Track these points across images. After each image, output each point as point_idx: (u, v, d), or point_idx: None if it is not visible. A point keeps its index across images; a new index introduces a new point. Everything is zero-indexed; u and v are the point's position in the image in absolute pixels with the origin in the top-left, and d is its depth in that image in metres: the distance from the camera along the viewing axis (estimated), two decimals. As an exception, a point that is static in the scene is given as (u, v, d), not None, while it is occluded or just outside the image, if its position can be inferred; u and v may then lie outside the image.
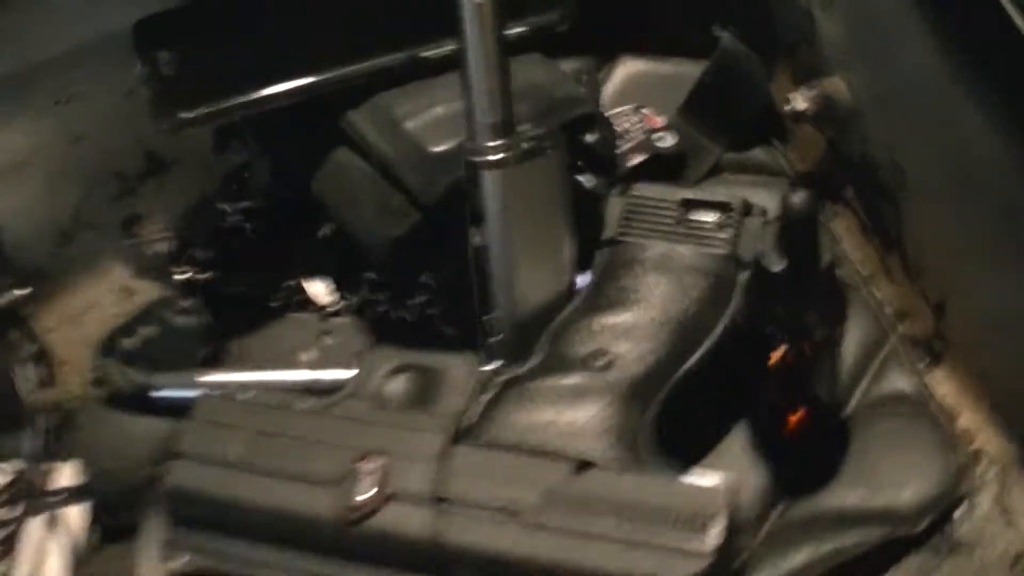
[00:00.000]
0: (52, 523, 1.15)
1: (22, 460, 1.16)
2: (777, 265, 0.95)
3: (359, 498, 0.94)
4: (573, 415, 0.97)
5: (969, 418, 1.06)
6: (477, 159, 1.00)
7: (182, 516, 1.00)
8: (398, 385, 1.06)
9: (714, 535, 0.89)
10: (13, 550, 1.11)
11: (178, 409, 1.13)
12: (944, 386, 1.09)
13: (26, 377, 1.18)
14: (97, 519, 1.16)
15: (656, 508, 0.90)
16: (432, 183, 1.07)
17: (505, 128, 0.99)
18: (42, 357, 1.21)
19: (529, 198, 1.03)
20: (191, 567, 0.99)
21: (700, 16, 1.26)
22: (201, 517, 0.99)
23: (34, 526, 1.14)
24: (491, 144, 0.99)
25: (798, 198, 0.92)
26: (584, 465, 0.93)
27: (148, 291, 1.25)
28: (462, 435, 0.97)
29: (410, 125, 1.09)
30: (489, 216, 1.02)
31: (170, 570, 1.00)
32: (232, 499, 0.98)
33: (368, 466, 0.95)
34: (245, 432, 1.00)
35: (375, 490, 0.94)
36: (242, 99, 1.11)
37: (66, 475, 1.17)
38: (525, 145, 1.00)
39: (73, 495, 1.17)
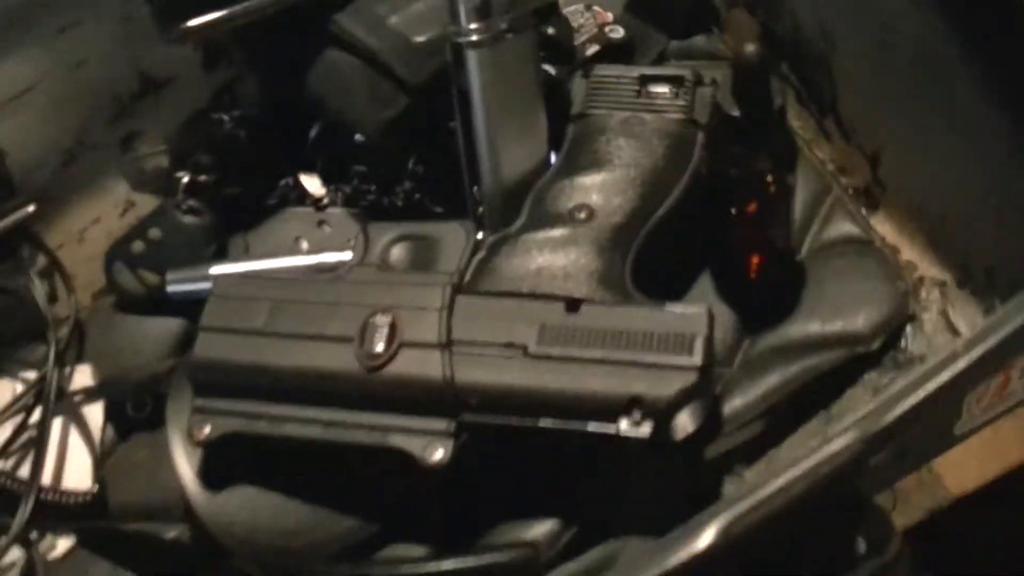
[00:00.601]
0: (73, 422, 1.23)
1: (41, 367, 1.22)
2: (735, 109, 1.06)
3: (376, 349, 1.02)
4: (562, 261, 1.05)
5: (910, 251, 1.18)
6: (461, 40, 1.10)
7: (209, 387, 1.06)
8: (399, 252, 1.14)
9: (700, 350, 0.97)
10: (39, 450, 1.17)
11: (189, 307, 1.22)
12: (885, 226, 1.20)
13: (39, 290, 1.23)
14: (113, 417, 1.23)
15: (645, 333, 0.98)
16: (419, 68, 1.18)
17: (484, 10, 1.09)
18: (52, 271, 1.27)
19: (509, 73, 1.12)
20: (221, 431, 1.05)
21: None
22: (227, 385, 1.06)
23: (57, 427, 1.21)
24: (473, 25, 1.09)
25: (750, 47, 1.03)
26: (575, 302, 1.01)
27: (149, 204, 1.32)
28: (462, 288, 1.05)
29: (394, 20, 1.20)
30: (474, 92, 1.12)
31: (200, 438, 1.05)
32: (257, 364, 1.05)
33: (381, 320, 1.03)
34: (263, 302, 1.07)
35: (389, 341, 1.03)
36: (237, 9, 1.21)
37: (83, 378, 1.25)
38: (503, 25, 1.10)
39: (90, 395, 1.25)
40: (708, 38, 1.37)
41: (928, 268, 1.16)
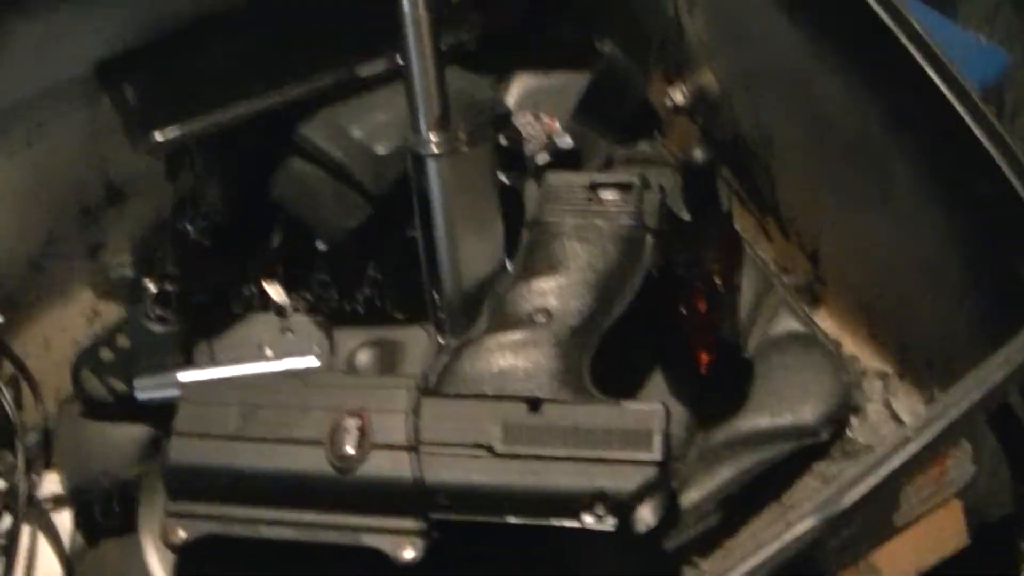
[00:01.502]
0: (42, 529, 1.25)
1: (10, 475, 1.23)
2: (686, 214, 1.11)
3: (346, 451, 1.05)
4: (523, 362, 1.09)
5: (852, 344, 1.24)
6: (422, 151, 1.15)
7: (182, 491, 1.08)
8: (365, 357, 1.18)
9: (659, 446, 1.01)
10: (7, 557, 1.19)
11: (156, 412, 1.25)
12: (828, 321, 1.26)
13: (7, 398, 1.25)
14: (82, 523, 1.25)
15: (605, 430, 1.02)
16: (382, 178, 1.22)
17: (444, 122, 1.14)
18: (19, 379, 1.29)
19: (467, 182, 1.18)
20: (196, 534, 1.07)
21: (581, 32, 1.43)
22: (201, 489, 1.08)
23: (25, 533, 1.22)
24: (433, 137, 1.14)
25: (698, 153, 1.08)
26: (538, 402, 1.05)
27: (114, 311, 1.36)
28: (428, 391, 1.08)
29: (356, 131, 1.25)
30: (433, 201, 1.16)
31: (175, 542, 1.07)
32: (230, 468, 1.07)
33: (350, 423, 1.06)
34: (234, 407, 1.09)
35: (359, 443, 1.06)
36: (206, 119, 1.25)
37: (51, 484, 1.27)
38: (462, 136, 1.15)
39: (59, 501, 1.27)
40: (651, 143, 1.43)
41: (870, 360, 1.22)
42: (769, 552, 0.94)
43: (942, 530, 1.15)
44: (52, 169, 1.31)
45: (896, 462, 0.98)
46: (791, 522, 0.95)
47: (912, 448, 0.98)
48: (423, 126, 1.15)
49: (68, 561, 1.22)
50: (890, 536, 1.11)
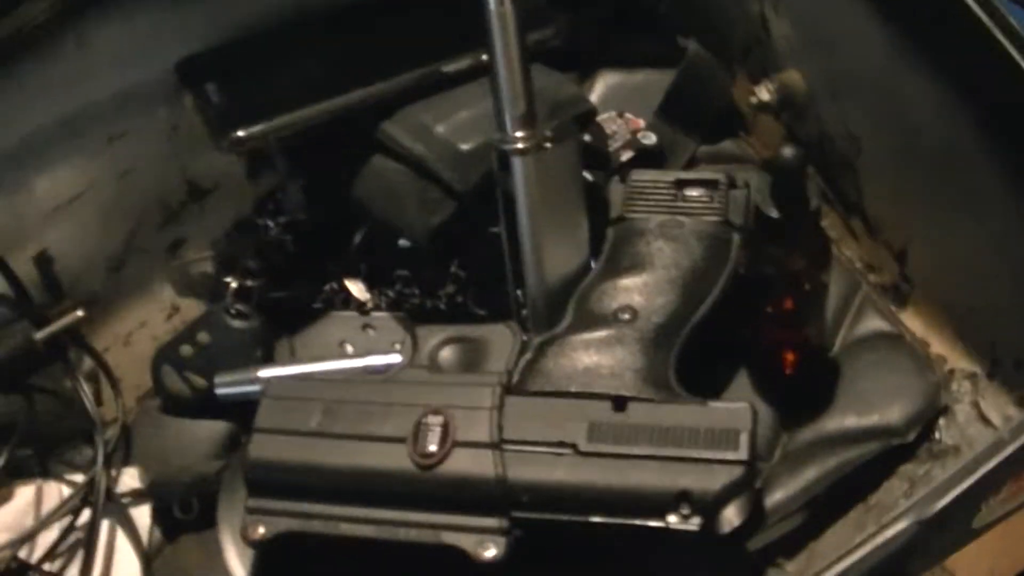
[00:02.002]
0: (120, 525, 1.25)
1: (90, 469, 1.23)
2: (774, 211, 1.09)
3: (429, 448, 1.04)
4: (608, 360, 1.08)
5: (939, 344, 1.22)
6: (508, 148, 1.14)
7: (263, 487, 1.08)
8: (447, 354, 1.16)
9: (745, 445, 1.00)
10: (88, 552, 1.19)
11: (235, 409, 1.25)
12: (914, 320, 1.24)
13: (87, 394, 1.26)
14: (160, 520, 1.25)
15: (691, 429, 1.01)
16: (466, 175, 1.22)
17: (530, 119, 1.13)
18: (99, 374, 1.29)
19: (552, 179, 1.16)
20: (275, 531, 1.06)
21: (666, 31, 1.42)
22: (281, 485, 1.07)
23: (104, 528, 1.23)
24: (518, 134, 1.14)
25: (788, 151, 1.07)
26: (623, 401, 1.04)
27: (193, 308, 1.36)
28: (512, 388, 1.08)
29: (440, 128, 1.24)
30: (519, 199, 1.16)
31: (254, 538, 1.06)
32: (311, 464, 1.07)
33: (433, 420, 1.06)
34: (317, 404, 1.09)
35: (442, 440, 1.05)
36: (288, 117, 1.25)
37: (130, 480, 1.27)
38: (548, 133, 1.14)
39: (137, 497, 1.27)
40: (736, 142, 1.42)
41: (958, 360, 1.19)
42: (861, 554, 0.93)
43: (1019, 537, 1.14)
44: (133, 167, 1.32)
45: (991, 464, 0.96)
46: (884, 524, 0.93)
47: (1008, 451, 0.96)
48: (508, 123, 1.14)
49: (146, 557, 1.22)
50: (968, 541, 1.10)
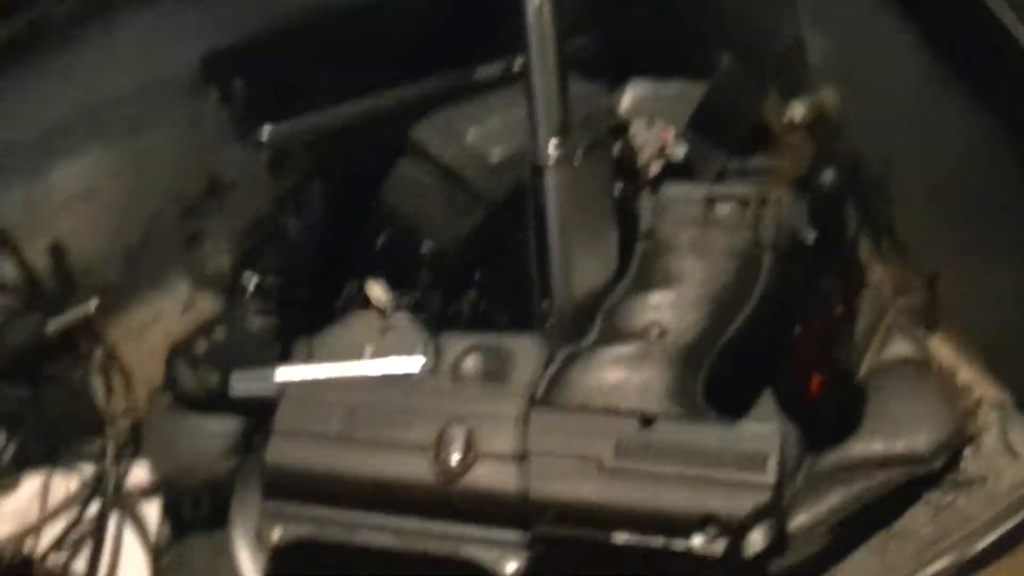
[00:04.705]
0: (128, 519, 1.24)
1: (99, 462, 1.23)
2: (810, 236, 1.08)
3: (452, 460, 1.03)
4: (636, 377, 1.07)
5: (967, 373, 1.21)
6: (540, 161, 1.13)
7: (279, 491, 1.08)
8: (471, 363, 1.15)
9: (773, 469, 0.99)
10: (94, 544, 1.19)
11: (248, 408, 1.24)
12: (942, 349, 1.23)
13: (98, 386, 1.26)
14: (169, 516, 1.25)
15: (719, 450, 1.01)
16: (496, 185, 1.22)
17: (563, 132, 1.12)
18: (110, 367, 1.29)
19: (583, 193, 1.15)
20: (292, 536, 1.06)
21: (700, 42, 1.41)
22: (299, 490, 1.07)
23: (112, 523, 1.22)
24: (552, 145, 1.12)
25: (828, 175, 1.06)
26: (650, 419, 1.03)
27: (209, 303, 1.35)
28: (537, 401, 1.07)
29: (471, 136, 1.24)
30: (549, 208, 1.14)
31: (270, 542, 1.06)
32: (330, 470, 1.06)
33: (457, 431, 1.05)
34: (337, 408, 1.09)
35: (465, 452, 1.04)
36: (316, 117, 1.24)
37: (139, 475, 1.26)
38: (580, 147, 1.13)
39: (147, 492, 1.26)
40: (765, 158, 1.40)
41: (986, 390, 1.18)
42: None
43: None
44: (154, 160, 1.31)
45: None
46: (925, 560, 0.92)
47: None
48: (542, 136, 1.13)
49: (154, 553, 1.20)
50: (975, 570, 1.07)
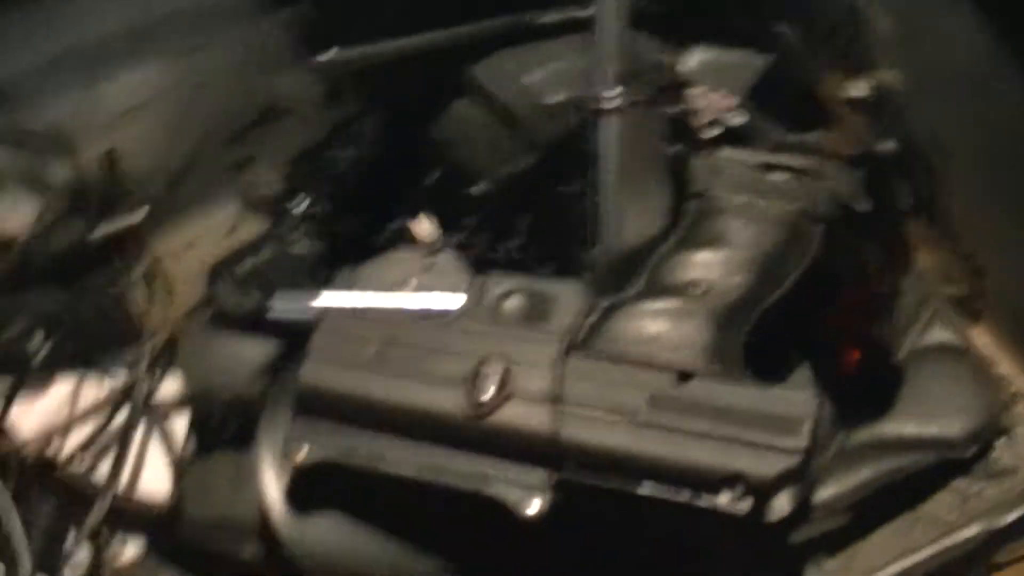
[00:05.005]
0: (156, 431, 1.24)
1: (131, 372, 1.24)
2: (863, 206, 1.08)
3: (483, 397, 1.04)
4: (676, 332, 1.07)
5: (1007, 366, 1.20)
6: (598, 105, 1.13)
7: (310, 412, 1.08)
8: (512, 304, 1.15)
9: (807, 434, 0.99)
10: (120, 453, 1.19)
11: (284, 332, 1.24)
12: (984, 337, 1.22)
13: (138, 297, 1.26)
14: (196, 432, 1.25)
15: (753, 411, 1.00)
16: (547, 128, 1.21)
17: (624, 79, 1.12)
18: (152, 280, 1.29)
19: (638, 143, 1.15)
20: (317, 457, 1.06)
21: (760, 14, 1.40)
22: (329, 413, 1.07)
23: (138, 433, 1.22)
24: (612, 92, 1.12)
25: (888, 145, 1.06)
26: (687, 375, 1.03)
27: (255, 228, 1.34)
28: (575, 347, 1.06)
29: (529, 78, 1.23)
30: (603, 158, 1.14)
31: (295, 461, 1.07)
32: (362, 396, 1.06)
33: (491, 369, 1.05)
34: (375, 336, 1.09)
35: (499, 389, 1.04)
36: (375, 47, 1.24)
37: (171, 388, 1.26)
38: (640, 96, 1.13)
39: (176, 406, 1.26)
40: (821, 135, 1.39)
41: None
42: (929, 552, 0.91)
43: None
44: (209, 80, 1.30)
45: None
46: (954, 527, 0.92)
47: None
48: (604, 81, 1.12)
49: (177, 467, 1.20)
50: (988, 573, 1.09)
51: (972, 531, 0.93)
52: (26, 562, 1.10)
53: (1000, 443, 1.16)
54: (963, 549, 0.93)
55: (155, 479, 1.21)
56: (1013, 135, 1.14)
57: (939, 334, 1.23)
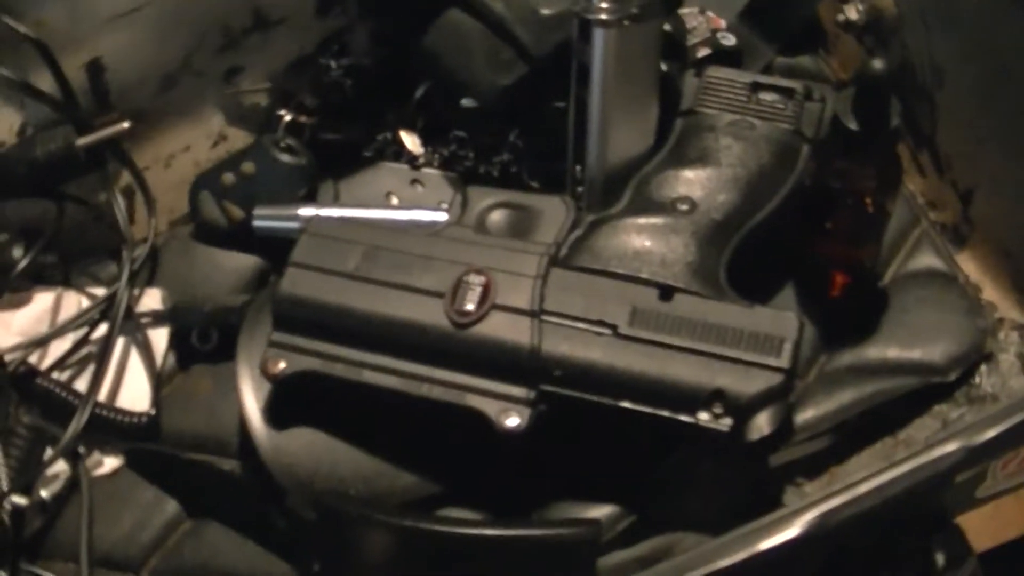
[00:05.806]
0: (136, 344, 1.24)
1: (112, 284, 1.23)
2: (853, 123, 1.07)
3: (466, 307, 1.03)
4: (660, 248, 1.06)
5: (992, 291, 1.20)
6: (591, 16, 1.11)
7: (290, 323, 1.06)
8: (497, 218, 1.14)
9: (788, 353, 0.98)
10: (100, 365, 1.18)
11: (267, 244, 1.24)
12: (970, 264, 1.22)
13: (120, 208, 1.24)
14: (176, 346, 1.24)
15: (736, 329, 1.00)
16: (543, 40, 1.19)
17: (618, -10, 1.11)
18: (135, 191, 1.28)
19: (631, 57, 1.13)
20: (296, 368, 1.05)
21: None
22: (309, 324, 1.06)
23: (119, 346, 1.22)
24: (605, 4, 1.10)
25: (878, 63, 1.04)
26: (670, 290, 1.03)
27: (240, 139, 1.34)
28: (559, 261, 1.06)
29: (522, -11, 1.21)
30: (595, 71, 1.13)
31: (273, 373, 1.06)
32: (343, 306, 1.05)
33: (475, 280, 1.04)
34: (357, 247, 1.07)
35: (481, 301, 1.03)
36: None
37: (151, 301, 1.26)
38: (633, 9, 1.11)
39: (157, 320, 1.25)
40: (813, 59, 1.39)
41: (1009, 310, 1.18)
42: (906, 468, 0.91)
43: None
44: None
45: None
46: (932, 444, 0.92)
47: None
48: (595, -9, 1.10)
49: (157, 379, 1.20)
50: (972, 507, 1.10)
51: (949, 447, 0.92)
52: (3, 475, 1.10)
53: (982, 369, 1.15)
54: (941, 465, 0.92)
55: (134, 393, 1.21)
56: (1010, 66, 1.13)
57: (925, 260, 1.23)
